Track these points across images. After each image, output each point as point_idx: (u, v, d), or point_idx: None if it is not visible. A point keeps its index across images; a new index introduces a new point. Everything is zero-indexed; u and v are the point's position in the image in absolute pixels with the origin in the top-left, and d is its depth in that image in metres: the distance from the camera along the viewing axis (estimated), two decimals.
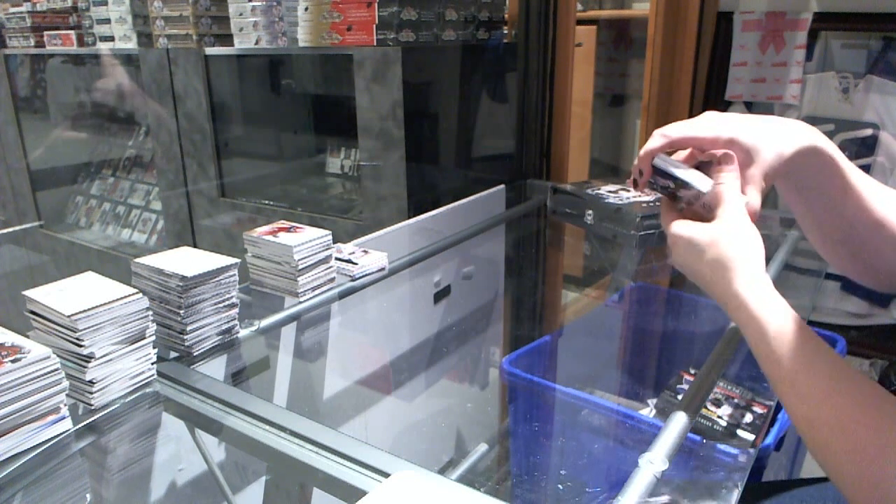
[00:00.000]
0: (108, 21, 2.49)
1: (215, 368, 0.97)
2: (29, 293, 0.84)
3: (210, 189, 2.34)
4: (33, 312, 0.84)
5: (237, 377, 1.03)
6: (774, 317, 0.62)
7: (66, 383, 0.77)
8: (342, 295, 1.18)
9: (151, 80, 2.35)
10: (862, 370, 1.86)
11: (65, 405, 0.77)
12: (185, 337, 0.94)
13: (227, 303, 0.98)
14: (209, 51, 2.20)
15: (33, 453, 0.74)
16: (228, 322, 0.99)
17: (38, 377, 0.74)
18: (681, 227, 0.71)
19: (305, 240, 1.11)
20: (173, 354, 0.96)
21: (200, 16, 2.21)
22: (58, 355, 0.76)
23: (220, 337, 0.99)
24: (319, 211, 2.15)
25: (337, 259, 1.20)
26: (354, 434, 0.76)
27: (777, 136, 0.70)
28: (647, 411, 1.38)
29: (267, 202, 2.26)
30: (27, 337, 0.80)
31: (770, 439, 1.12)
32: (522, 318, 2.00)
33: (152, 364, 0.88)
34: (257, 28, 2.06)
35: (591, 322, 1.76)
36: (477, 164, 2.05)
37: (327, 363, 1.33)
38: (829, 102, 1.87)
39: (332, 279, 1.18)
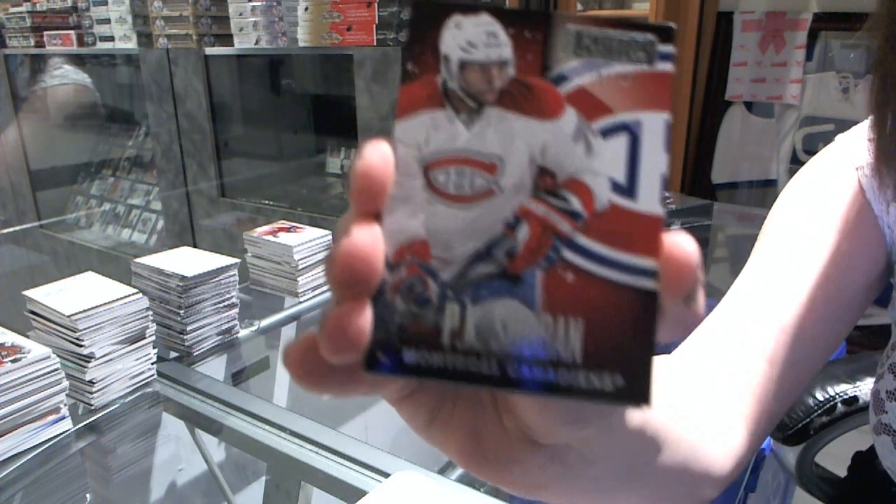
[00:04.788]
0: (108, 21, 2.49)
1: (215, 368, 0.97)
2: (29, 293, 0.84)
3: (210, 189, 2.34)
4: (33, 312, 0.84)
5: (237, 377, 1.03)
6: None
7: (66, 383, 0.77)
8: None
9: (151, 80, 2.35)
10: None
11: (65, 405, 0.77)
12: (185, 337, 0.94)
13: (227, 303, 0.98)
14: (209, 51, 2.20)
15: (33, 453, 0.74)
16: (228, 322, 0.99)
17: (38, 377, 0.74)
18: None
19: (305, 240, 1.11)
20: (173, 354, 0.96)
21: (200, 16, 2.21)
22: (58, 355, 0.76)
23: (220, 337, 0.99)
24: (319, 211, 2.15)
25: None
26: (354, 434, 0.76)
27: None
28: None
29: (267, 202, 2.26)
30: (27, 337, 0.80)
31: (766, 442, 1.12)
32: None
33: (152, 364, 0.88)
34: (257, 28, 2.06)
35: None
36: None
37: None
38: (829, 102, 1.87)
39: None
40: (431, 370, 0.20)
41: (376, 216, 0.20)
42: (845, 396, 0.78)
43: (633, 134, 0.20)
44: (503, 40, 0.21)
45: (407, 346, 0.20)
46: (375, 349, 0.20)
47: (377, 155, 0.19)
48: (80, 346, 0.80)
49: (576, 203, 0.20)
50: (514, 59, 0.21)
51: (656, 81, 0.20)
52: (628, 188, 0.20)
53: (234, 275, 0.99)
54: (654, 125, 0.20)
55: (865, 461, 0.77)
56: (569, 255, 0.20)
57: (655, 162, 0.20)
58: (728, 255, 1.49)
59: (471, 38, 0.21)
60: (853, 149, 0.52)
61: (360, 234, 0.19)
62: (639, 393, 0.19)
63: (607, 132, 0.20)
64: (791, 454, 0.84)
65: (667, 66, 0.20)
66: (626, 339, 0.20)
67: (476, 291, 0.20)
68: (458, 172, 0.21)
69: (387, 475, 0.68)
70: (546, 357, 0.20)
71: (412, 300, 0.20)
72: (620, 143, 0.20)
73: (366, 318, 0.19)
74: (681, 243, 0.20)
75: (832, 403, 0.78)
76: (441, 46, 0.21)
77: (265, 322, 1.07)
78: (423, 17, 0.21)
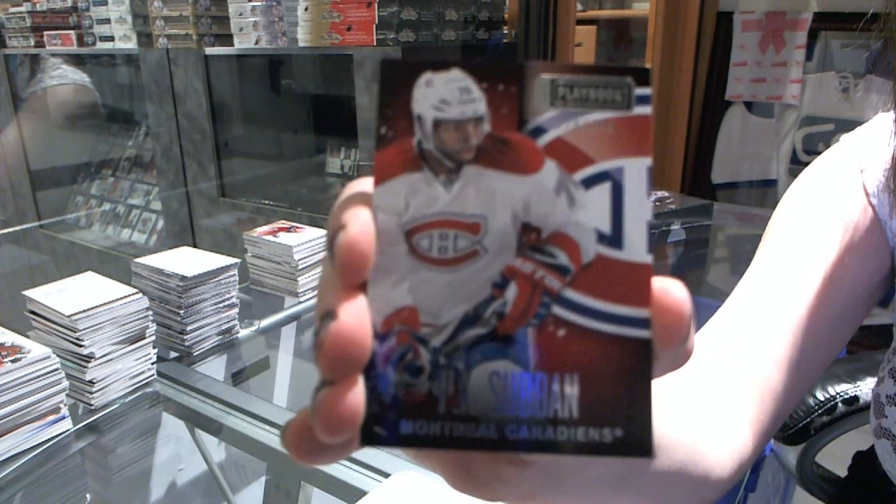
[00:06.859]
0: (108, 21, 2.49)
1: (215, 368, 0.97)
2: (29, 293, 0.84)
3: (210, 189, 2.34)
4: (33, 312, 0.83)
5: (237, 377, 1.03)
6: None
7: (66, 383, 0.77)
8: None
9: (151, 80, 2.35)
10: None
11: (65, 405, 0.77)
12: (185, 337, 0.94)
13: (227, 303, 0.98)
14: (209, 51, 2.20)
15: (33, 453, 0.74)
16: (228, 322, 0.99)
17: (38, 377, 0.74)
18: None
19: (305, 240, 1.11)
20: (173, 354, 0.96)
21: (200, 16, 2.20)
22: (58, 355, 0.76)
23: (220, 337, 0.99)
24: (319, 211, 2.15)
25: None
26: None
27: None
28: None
29: (267, 202, 2.26)
30: (27, 337, 0.80)
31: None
32: None
33: (152, 364, 0.88)
34: (257, 28, 2.06)
35: None
36: None
37: None
38: (829, 102, 1.87)
39: None
40: (429, 438, 0.19)
41: (361, 287, 0.19)
42: (846, 396, 0.78)
43: (615, 182, 0.20)
44: (477, 95, 0.20)
45: (403, 416, 0.19)
46: (371, 423, 0.19)
47: (359, 226, 0.19)
48: (80, 346, 0.80)
49: (563, 258, 0.20)
50: (489, 114, 0.20)
51: (635, 126, 0.20)
52: (614, 238, 0.20)
53: (234, 275, 0.99)
54: (637, 171, 0.20)
55: (866, 461, 0.77)
56: (559, 310, 0.20)
57: (640, 209, 0.20)
58: (728, 255, 1.49)
59: (443, 95, 0.20)
60: (857, 150, 0.52)
61: (346, 314, 0.18)
62: (640, 443, 0.19)
63: (589, 182, 0.20)
64: (791, 454, 0.84)
65: (645, 110, 0.20)
66: (622, 391, 0.19)
67: (468, 355, 0.20)
68: (441, 236, 0.20)
69: (387, 475, 0.68)
70: (543, 416, 0.19)
71: (404, 369, 0.19)
72: (603, 192, 0.20)
73: (358, 397, 0.18)
74: (671, 290, 0.19)
75: (833, 403, 0.78)
76: (413, 106, 0.20)
77: (265, 322, 1.07)
78: (392, 78, 0.20)
